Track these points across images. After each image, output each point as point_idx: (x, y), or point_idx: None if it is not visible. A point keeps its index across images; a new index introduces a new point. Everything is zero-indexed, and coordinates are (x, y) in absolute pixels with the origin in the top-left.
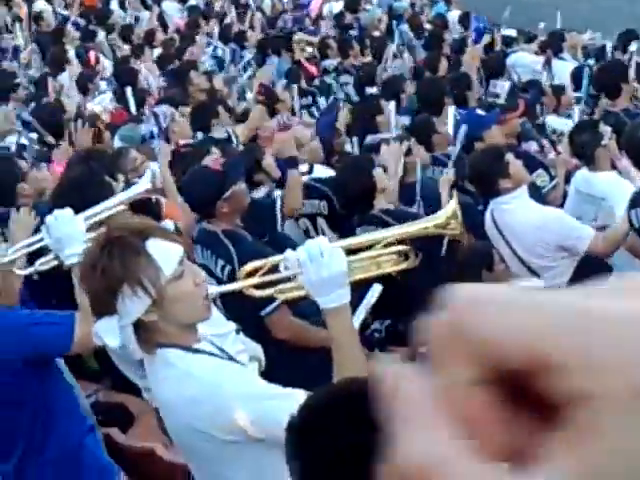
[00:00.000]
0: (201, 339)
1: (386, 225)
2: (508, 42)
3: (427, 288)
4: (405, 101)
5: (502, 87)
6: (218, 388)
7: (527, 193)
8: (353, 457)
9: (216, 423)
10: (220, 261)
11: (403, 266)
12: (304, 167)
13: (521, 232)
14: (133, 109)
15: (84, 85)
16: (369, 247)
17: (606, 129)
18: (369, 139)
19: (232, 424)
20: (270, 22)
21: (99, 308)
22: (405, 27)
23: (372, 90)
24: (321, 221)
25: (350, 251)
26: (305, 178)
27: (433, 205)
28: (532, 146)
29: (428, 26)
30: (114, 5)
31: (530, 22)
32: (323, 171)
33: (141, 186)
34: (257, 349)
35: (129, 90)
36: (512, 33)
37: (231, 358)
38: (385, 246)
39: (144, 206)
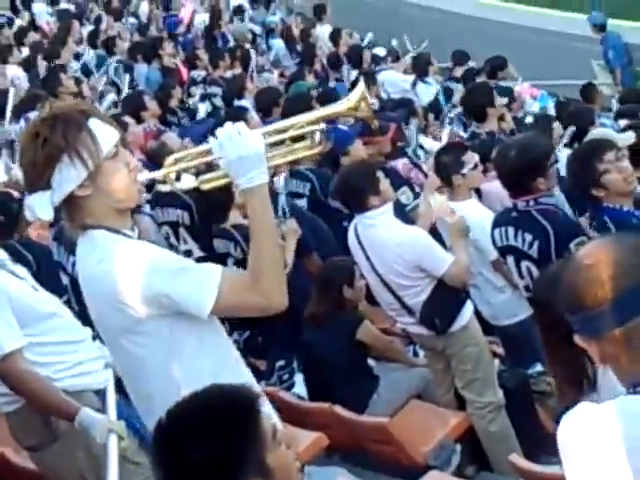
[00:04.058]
0: (132, 227)
1: (234, 240)
2: (376, 60)
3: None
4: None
5: (372, 104)
6: (135, 263)
7: (392, 211)
8: (208, 467)
9: (133, 298)
10: None
11: (316, 150)
12: (172, 175)
13: (381, 249)
14: (9, 112)
15: None
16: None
17: (472, 157)
18: None
19: (148, 298)
20: (143, 28)
21: (34, 181)
22: (277, 41)
23: (240, 103)
24: (182, 231)
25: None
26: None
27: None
28: (400, 163)
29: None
30: None
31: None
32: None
33: None
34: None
35: (12, 91)
36: (381, 52)
37: None
38: (300, 128)
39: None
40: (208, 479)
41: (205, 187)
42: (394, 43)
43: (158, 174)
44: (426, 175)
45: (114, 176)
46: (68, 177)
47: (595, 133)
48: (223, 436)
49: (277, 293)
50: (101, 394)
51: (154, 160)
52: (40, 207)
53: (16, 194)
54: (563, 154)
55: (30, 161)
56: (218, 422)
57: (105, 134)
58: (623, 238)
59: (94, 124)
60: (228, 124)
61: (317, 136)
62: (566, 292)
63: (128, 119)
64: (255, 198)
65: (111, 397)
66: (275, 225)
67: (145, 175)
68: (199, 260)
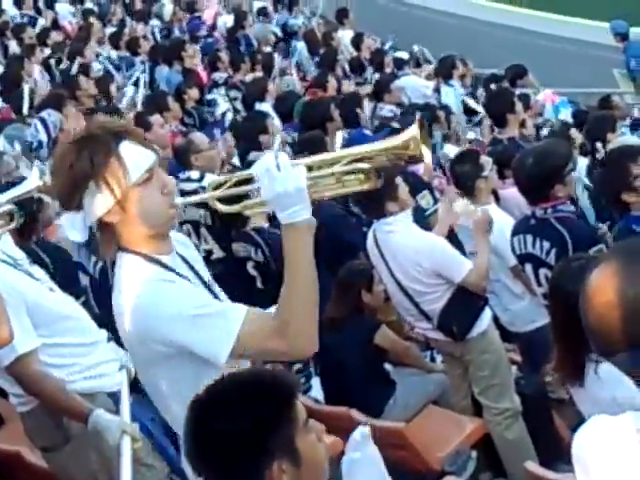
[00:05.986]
0: (170, 252)
1: (256, 244)
2: (399, 64)
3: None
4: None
5: (390, 110)
6: (154, 306)
7: (411, 217)
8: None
9: (150, 335)
10: None
11: (367, 186)
12: (195, 174)
13: (400, 254)
14: (26, 109)
15: None
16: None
17: (487, 160)
18: (252, 156)
19: (164, 339)
20: (167, 29)
21: (65, 202)
22: (300, 44)
23: (261, 106)
24: (204, 230)
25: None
26: (195, 185)
27: None
28: (422, 166)
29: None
30: (6, 5)
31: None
32: None
33: (30, 183)
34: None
35: (26, 88)
36: (404, 56)
37: (180, 275)
38: (347, 164)
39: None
40: (233, 452)
41: (247, 213)
42: (415, 49)
43: (197, 199)
44: (449, 181)
45: (145, 203)
46: (95, 203)
47: (620, 141)
48: (252, 412)
49: (304, 340)
50: (115, 396)
51: (180, 157)
52: (72, 228)
53: (48, 199)
54: (581, 162)
55: (59, 184)
56: (250, 399)
57: (138, 158)
58: (632, 266)
59: (126, 148)
60: (268, 156)
61: (367, 172)
62: (587, 329)
63: (155, 118)
64: (294, 234)
65: (125, 399)
66: (313, 264)
67: (182, 200)
68: (220, 262)
